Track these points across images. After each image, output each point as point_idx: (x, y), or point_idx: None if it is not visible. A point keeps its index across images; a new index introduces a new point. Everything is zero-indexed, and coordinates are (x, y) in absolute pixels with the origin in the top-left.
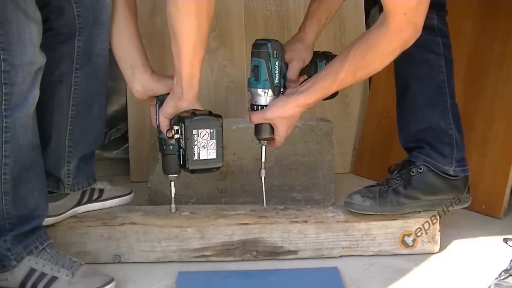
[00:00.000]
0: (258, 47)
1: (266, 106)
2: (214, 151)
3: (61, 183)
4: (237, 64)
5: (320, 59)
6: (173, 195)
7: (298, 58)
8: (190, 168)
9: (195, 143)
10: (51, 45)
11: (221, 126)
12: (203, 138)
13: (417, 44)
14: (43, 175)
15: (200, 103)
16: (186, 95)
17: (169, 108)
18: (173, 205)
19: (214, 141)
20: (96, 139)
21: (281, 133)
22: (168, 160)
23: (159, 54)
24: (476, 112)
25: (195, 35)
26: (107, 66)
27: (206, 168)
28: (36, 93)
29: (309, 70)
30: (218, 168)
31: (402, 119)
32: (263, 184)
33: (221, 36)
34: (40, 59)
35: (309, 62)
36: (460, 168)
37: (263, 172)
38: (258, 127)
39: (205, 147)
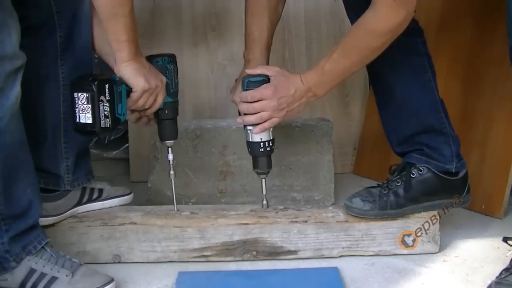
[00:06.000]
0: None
1: None
2: (90, 115)
3: (61, 180)
4: (237, 64)
5: None
6: (171, 162)
7: None
8: (74, 128)
9: (76, 106)
10: (33, 44)
11: (95, 91)
12: (81, 101)
13: (399, 48)
14: (34, 173)
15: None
16: (117, 59)
17: None
18: (171, 172)
19: (90, 105)
20: None
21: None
22: (163, 125)
23: None
24: (476, 112)
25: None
26: (91, 59)
27: (84, 131)
28: (18, 92)
29: None
30: (93, 132)
31: (391, 125)
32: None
33: (221, 36)
34: (20, 58)
35: None
36: (460, 163)
37: (264, 204)
38: (257, 161)
39: (83, 110)
